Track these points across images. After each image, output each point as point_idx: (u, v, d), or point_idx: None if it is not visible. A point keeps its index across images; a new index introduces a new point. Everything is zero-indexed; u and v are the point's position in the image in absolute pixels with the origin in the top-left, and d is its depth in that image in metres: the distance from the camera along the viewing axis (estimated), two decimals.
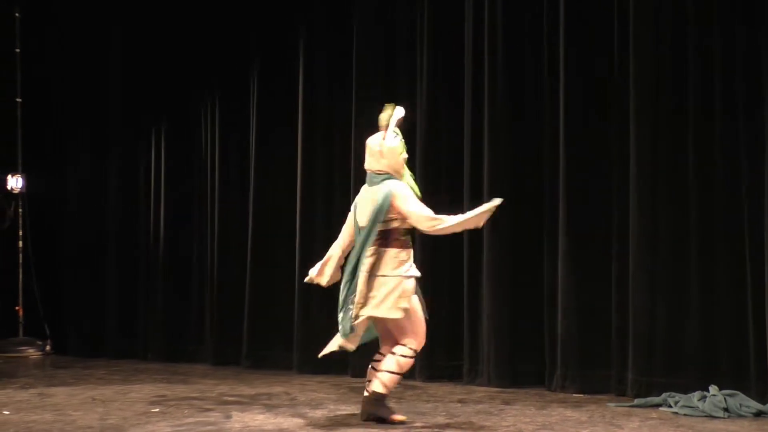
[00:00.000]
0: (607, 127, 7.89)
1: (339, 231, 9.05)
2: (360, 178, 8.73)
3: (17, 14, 11.07)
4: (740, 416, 6.79)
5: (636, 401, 7.30)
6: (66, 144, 10.98)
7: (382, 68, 8.99)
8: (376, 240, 6.42)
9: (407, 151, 6.64)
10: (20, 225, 11.03)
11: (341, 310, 6.47)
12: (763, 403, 6.93)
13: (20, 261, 10.97)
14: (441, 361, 8.55)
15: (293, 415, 6.86)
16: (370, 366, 6.58)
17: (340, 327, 6.47)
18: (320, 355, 6.72)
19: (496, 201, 6.34)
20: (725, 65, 7.43)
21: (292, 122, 9.37)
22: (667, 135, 7.58)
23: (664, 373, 7.44)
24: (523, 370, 8.18)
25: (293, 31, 9.44)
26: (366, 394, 6.53)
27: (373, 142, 6.60)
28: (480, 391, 7.94)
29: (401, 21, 8.94)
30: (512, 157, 8.28)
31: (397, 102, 8.68)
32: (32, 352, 10.70)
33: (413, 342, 6.46)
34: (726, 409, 6.81)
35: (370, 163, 6.60)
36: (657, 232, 7.57)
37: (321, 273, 6.77)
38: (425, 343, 6.56)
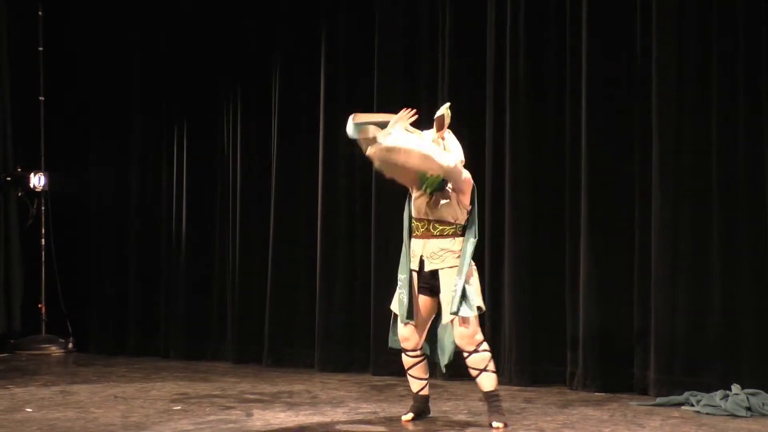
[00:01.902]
0: (629, 123, 7.86)
1: (360, 229, 9.13)
2: (380, 174, 8.77)
3: (40, 13, 11.12)
4: (763, 415, 6.76)
5: (658, 400, 7.28)
6: (88, 142, 11.00)
7: (403, 63, 8.98)
8: None
9: None
10: (43, 223, 11.07)
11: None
12: None
13: (43, 259, 11.02)
14: (462, 360, 8.52)
15: (314, 413, 6.86)
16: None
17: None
18: None
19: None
20: (750, 61, 7.40)
21: (314, 118, 9.37)
22: (690, 130, 7.55)
23: (686, 371, 7.41)
24: (544, 368, 8.15)
25: (315, 26, 9.43)
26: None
27: None
28: (501, 390, 7.86)
29: (423, 15, 8.92)
30: (533, 154, 8.26)
31: (418, 95, 8.75)
32: (55, 350, 10.74)
33: None
34: (748, 408, 6.78)
35: None
36: (679, 229, 7.53)
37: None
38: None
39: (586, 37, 7.96)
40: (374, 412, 6.92)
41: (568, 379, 8.03)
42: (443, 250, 6.39)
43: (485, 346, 6.44)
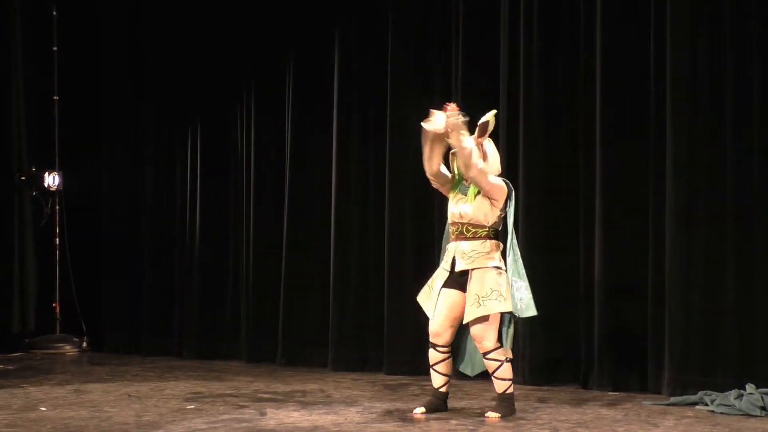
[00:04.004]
0: (643, 123, 7.84)
1: (373, 228, 9.13)
2: (394, 175, 8.79)
3: (54, 12, 11.15)
4: None
5: (672, 399, 7.26)
6: (103, 142, 11.04)
7: (416, 65, 8.98)
8: None
9: None
10: (57, 222, 11.11)
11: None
12: None
13: (57, 258, 11.05)
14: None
15: (328, 413, 6.86)
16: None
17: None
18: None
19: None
20: (764, 58, 7.38)
21: (328, 119, 9.37)
22: (705, 126, 7.51)
23: (701, 371, 7.38)
24: (558, 368, 8.15)
25: (328, 26, 9.44)
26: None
27: None
28: (515, 389, 7.90)
29: (436, 16, 8.91)
30: (547, 154, 8.24)
31: (431, 98, 8.74)
32: (69, 349, 10.77)
33: None
34: (763, 408, 6.74)
35: None
36: (693, 229, 7.51)
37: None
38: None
39: (600, 33, 7.94)
40: (388, 411, 6.92)
41: (582, 379, 8.01)
42: (474, 251, 6.59)
43: (496, 354, 6.60)
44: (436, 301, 6.69)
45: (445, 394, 6.87)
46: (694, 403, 7.13)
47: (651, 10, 7.76)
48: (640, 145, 7.84)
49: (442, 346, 6.74)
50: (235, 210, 10.15)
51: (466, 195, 6.66)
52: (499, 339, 6.59)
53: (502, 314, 6.57)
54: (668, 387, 7.47)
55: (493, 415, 6.61)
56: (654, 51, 7.75)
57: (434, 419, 6.62)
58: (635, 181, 7.85)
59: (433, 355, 6.77)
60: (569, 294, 8.12)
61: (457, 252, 6.64)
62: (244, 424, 6.40)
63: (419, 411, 6.78)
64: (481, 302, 6.48)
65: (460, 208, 6.65)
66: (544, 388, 7.96)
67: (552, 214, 8.22)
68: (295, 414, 6.82)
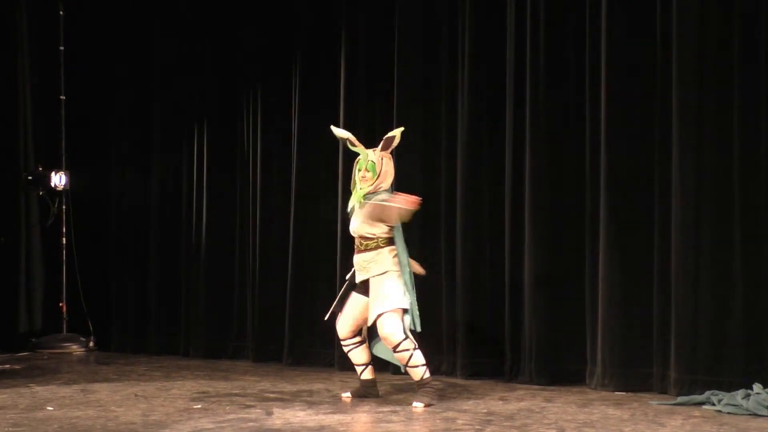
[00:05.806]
0: (649, 121, 7.82)
1: None
2: (400, 174, 8.77)
3: (61, 12, 11.17)
4: None
5: (679, 399, 7.24)
6: (109, 141, 11.05)
7: (423, 64, 8.97)
8: None
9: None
10: (64, 222, 11.12)
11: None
12: None
13: (64, 258, 11.07)
14: (482, 359, 8.53)
15: (334, 412, 6.86)
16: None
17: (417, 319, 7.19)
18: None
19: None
20: None
21: (334, 117, 9.35)
22: (711, 126, 7.48)
23: (707, 370, 7.36)
24: (565, 367, 8.13)
25: (335, 24, 9.44)
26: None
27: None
28: (521, 389, 7.91)
29: (443, 13, 8.90)
30: (553, 153, 8.22)
31: (440, 97, 8.75)
32: (75, 349, 10.78)
33: None
34: None
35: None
36: (700, 227, 7.49)
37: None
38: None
39: (605, 33, 7.91)
40: (394, 411, 6.92)
41: (588, 379, 8.00)
42: (367, 261, 7.19)
43: (405, 345, 7.03)
44: (337, 302, 7.43)
45: (371, 380, 7.46)
46: (701, 403, 7.11)
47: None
48: (646, 143, 7.81)
49: (342, 339, 7.46)
50: (242, 209, 10.15)
51: (355, 210, 7.31)
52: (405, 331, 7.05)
53: (404, 310, 7.07)
54: (675, 387, 7.45)
55: (418, 406, 6.97)
56: (660, 55, 7.75)
57: (440, 419, 6.62)
58: (641, 179, 7.83)
59: (344, 350, 7.52)
60: (575, 293, 8.11)
61: (356, 264, 7.27)
62: (250, 424, 6.41)
63: (345, 395, 7.46)
64: (379, 304, 7.04)
65: (352, 223, 7.31)
66: (551, 387, 7.94)
67: (557, 211, 8.20)
68: (302, 414, 6.82)
